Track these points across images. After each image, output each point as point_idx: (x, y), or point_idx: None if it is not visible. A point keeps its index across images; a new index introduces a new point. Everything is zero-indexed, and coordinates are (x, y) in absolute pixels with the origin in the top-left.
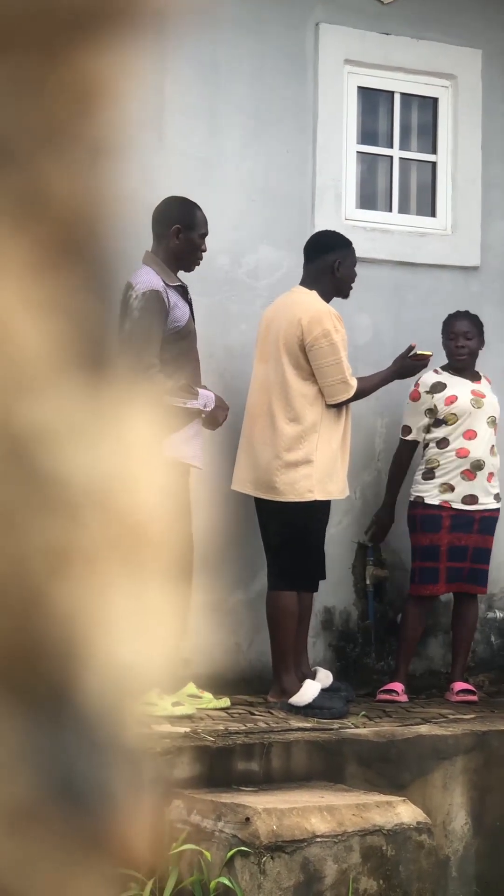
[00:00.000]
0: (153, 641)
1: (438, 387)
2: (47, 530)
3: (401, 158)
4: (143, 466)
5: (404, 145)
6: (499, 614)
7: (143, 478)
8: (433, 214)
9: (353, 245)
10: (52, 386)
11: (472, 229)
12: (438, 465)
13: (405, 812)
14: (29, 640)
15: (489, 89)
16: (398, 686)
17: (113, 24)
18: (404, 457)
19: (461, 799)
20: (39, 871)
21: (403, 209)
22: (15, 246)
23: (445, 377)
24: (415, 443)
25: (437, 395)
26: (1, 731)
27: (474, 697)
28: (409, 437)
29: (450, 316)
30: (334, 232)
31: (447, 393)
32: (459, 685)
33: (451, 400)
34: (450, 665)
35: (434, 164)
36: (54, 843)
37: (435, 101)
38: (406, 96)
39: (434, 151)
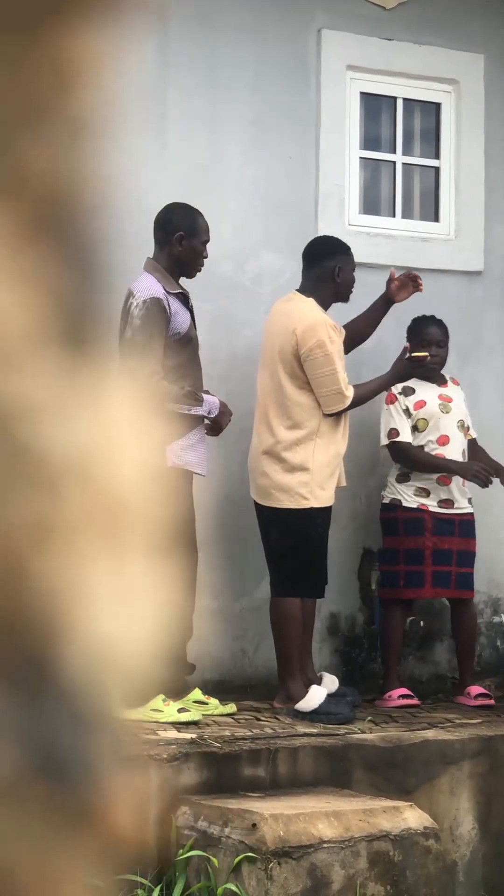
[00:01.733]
0: (135, 615)
1: (408, 390)
2: (27, 504)
3: (404, 164)
4: (122, 440)
5: (407, 150)
6: None
7: (122, 452)
8: (436, 219)
9: (354, 250)
10: (31, 361)
11: (476, 234)
12: (414, 471)
13: (412, 817)
14: (9, 614)
15: (492, 94)
16: (407, 689)
17: (96, 3)
18: (407, 453)
19: (468, 804)
20: (23, 845)
21: (407, 214)
22: None
23: (413, 382)
24: (408, 443)
25: (408, 398)
26: None
27: (492, 701)
28: (399, 439)
29: (417, 321)
30: (333, 237)
31: (416, 398)
32: (476, 689)
33: (420, 405)
34: (456, 669)
35: (437, 170)
36: (38, 817)
37: (438, 106)
38: (409, 101)
39: (437, 156)
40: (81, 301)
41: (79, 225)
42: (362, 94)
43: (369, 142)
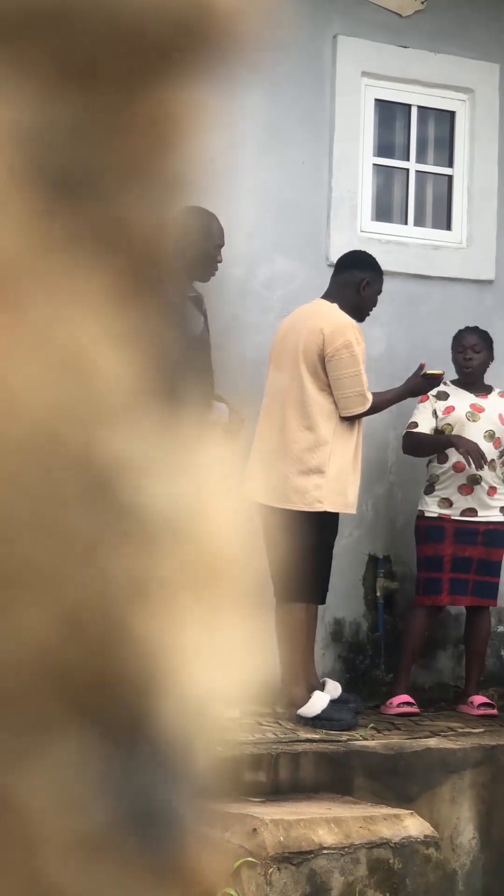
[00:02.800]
0: (229, 673)
1: (442, 395)
2: (126, 561)
3: (417, 171)
4: (219, 497)
5: (421, 158)
6: None
7: (219, 509)
8: (448, 228)
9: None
10: (131, 417)
11: (487, 243)
12: (438, 480)
13: (412, 825)
14: (107, 671)
15: None
16: (409, 697)
17: (194, 58)
18: (415, 435)
19: (469, 813)
20: None
21: (419, 222)
22: (95, 278)
23: (451, 389)
24: (418, 432)
25: (439, 402)
26: (79, 760)
27: (494, 711)
28: (416, 430)
29: (459, 331)
30: (371, 255)
31: (447, 403)
32: (479, 699)
33: (449, 410)
34: (459, 678)
35: (450, 178)
36: (127, 872)
37: (452, 114)
38: (423, 109)
39: (450, 165)
40: (177, 357)
41: (173, 280)
42: (377, 100)
43: (383, 149)
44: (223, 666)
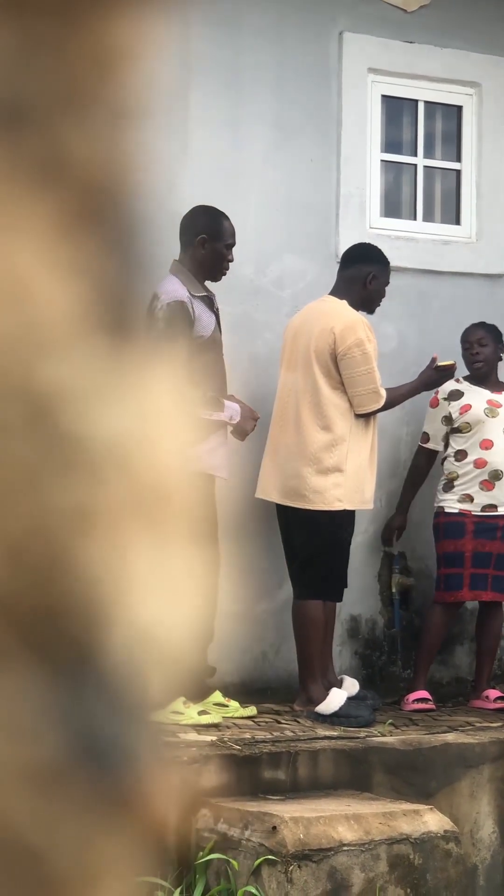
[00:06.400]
0: (176, 602)
1: (455, 395)
2: (69, 490)
3: (425, 167)
4: (164, 426)
5: (428, 153)
6: None
7: (164, 438)
8: (457, 222)
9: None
10: (73, 347)
11: (497, 237)
12: (457, 477)
13: (432, 820)
14: (52, 601)
15: None
16: (427, 693)
17: None
18: (422, 462)
19: (488, 807)
20: (64, 831)
21: (428, 217)
22: (37, 208)
23: (465, 386)
24: (433, 452)
25: (453, 403)
26: (25, 691)
27: None
28: (427, 445)
29: (466, 328)
30: (376, 247)
31: (463, 401)
32: (495, 693)
33: (466, 409)
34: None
35: (458, 172)
36: (79, 803)
37: (459, 109)
38: (430, 104)
39: (458, 159)
40: (123, 288)
41: (120, 211)
42: (383, 96)
43: (390, 145)
44: (170, 596)
